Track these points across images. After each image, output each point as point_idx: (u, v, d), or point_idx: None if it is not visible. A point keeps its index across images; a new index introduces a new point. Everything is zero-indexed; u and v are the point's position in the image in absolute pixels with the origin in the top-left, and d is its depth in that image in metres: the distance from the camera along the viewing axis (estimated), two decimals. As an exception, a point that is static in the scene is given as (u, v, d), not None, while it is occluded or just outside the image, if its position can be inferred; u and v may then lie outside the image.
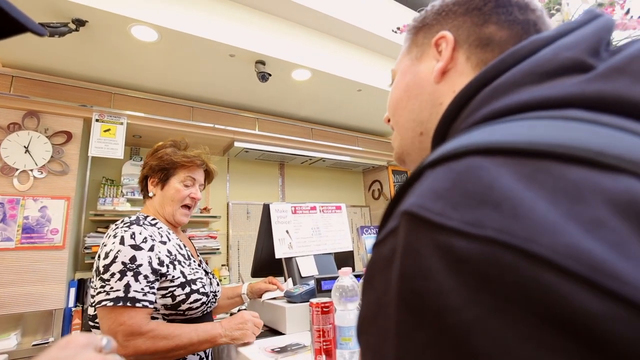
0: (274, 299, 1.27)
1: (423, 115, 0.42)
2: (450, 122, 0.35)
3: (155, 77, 2.42)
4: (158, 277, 0.98)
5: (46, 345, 1.92)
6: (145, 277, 0.95)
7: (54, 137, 2.24)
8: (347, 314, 0.84)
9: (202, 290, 1.07)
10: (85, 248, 2.35)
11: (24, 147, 2.15)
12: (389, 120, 0.50)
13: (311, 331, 0.82)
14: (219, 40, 2.05)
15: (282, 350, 0.96)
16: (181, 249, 1.12)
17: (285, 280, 1.33)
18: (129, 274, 0.93)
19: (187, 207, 1.19)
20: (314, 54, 2.41)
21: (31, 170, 2.14)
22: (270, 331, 1.20)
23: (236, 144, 2.88)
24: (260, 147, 2.98)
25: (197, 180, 1.21)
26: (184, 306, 1.02)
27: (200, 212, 2.86)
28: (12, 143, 2.12)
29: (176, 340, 0.92)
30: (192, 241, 2.65)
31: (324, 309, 0.81)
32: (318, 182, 3.79)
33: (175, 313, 1.02)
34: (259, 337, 1.13)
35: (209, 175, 1.28)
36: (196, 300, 1.04)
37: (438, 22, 0.43)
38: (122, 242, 0.97)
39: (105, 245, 0.99)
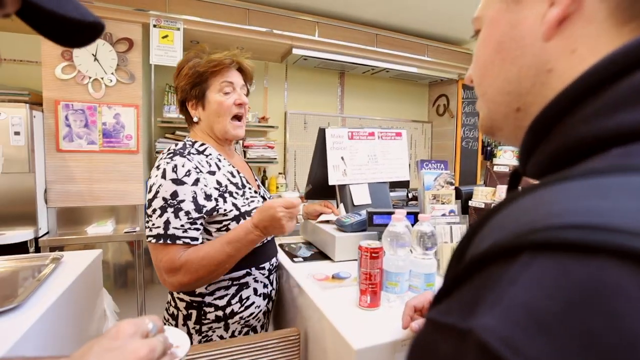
0: (328, 222, 1.30)
1: (523, 85, 0.30)
2: (565, 113, 0.24)
3: (208, -26, 2.22)
4: (203, 214, 0.92)
5: (134, 233, 2.25)
6: (187, 213, 0.89)
7: (117, 44, 2.27)
8: (396, 260, 0.83)
9: None
10: (157, 152, 2.56)
11: (92, 54, 2.22)
12: (471, 82, 0.37)
13: (358, 272, 0.83)
14: None
15: (329, 278, 1.01)
16: (234, 176, 1.03)
17: (338, 207, 1.33)
18: (169, 210, 0.88)
19: (238, 117, 1.05)
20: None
21: (102, 78, 2.24)
22: (320, 254, 1.25)
23: (294, 50, 2.70)
24: (320, 55, 2.78)
25: (235, 83, 1.03)
26: None
27: (258, 122, 2.89)
28: (82, 51, 2.19)
29: (213, 261, 0.88)
30: (250, 150, 2.76)
31: (373, 254, 0.80)
32: (379, 94, 3.55)
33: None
34: (307, 260, 1.19)
35: (246, 75, 1.08)
36: None
37: None
38: (163, 175, 0.89)
39: (150, 178, 0.94)
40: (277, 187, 2.99)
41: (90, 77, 2.22)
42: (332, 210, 1.30)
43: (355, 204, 1.30)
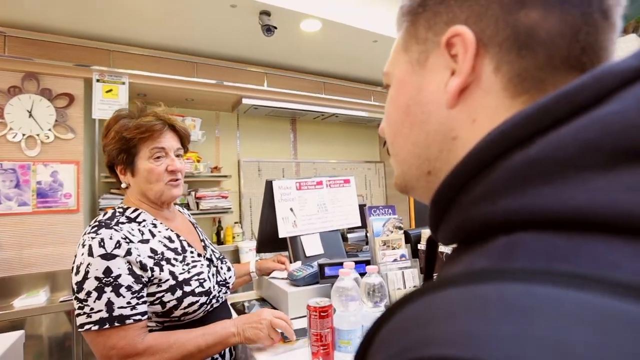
0: (283, 278, 1.26)
1: (431, 150, 0.30)
2: (459, 190, 0.25)
3: (154, 30, 2.25)
4: (144, 284, 0.84)
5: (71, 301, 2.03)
6: (129, 287, 0.81)
7: (56, 99, 2.18)
8: (347, 316, 0.81)
9: (198, 290, 0.91)
10: (101, 209, 2.39)
11: (28, 111, 2.10)
12: (383, 133, 0.38)
13: (308, 333, 0.79)
14: (216, -11, 1.84)
15: (282, 339, 0.95)
16: (172, 241, 0.95)
17: (291, 260, 1.30)
18: (107, 289, 0.79)
19: (173, 180, 0.98)
20: (324, 2, 2.16)
21: (37, 134, 2.11)
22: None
23: (244, 100, 2.75)
24: (270, 104, 2.84)
25: (167, 147, 0.96)
26: (178, 312, 0.88)
27: (211, 172, 2.83)
28: (14, 107, 2.07)
29: (181, 350, 0.81)
30: (203, 201, 2.68)
31: (322, 314, 0.77)
32: (331, 138, 3.67)
33: (169, 320, 0.89)
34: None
35: (181, 136, 1.03)
36: (192, 304, 0.89)
37: (447, 1, 0.28)
38: (90, 253, 0.80)
39: (75, 257, 0.83)
40: (234, 237, 2.89)
41: (24, 134, 2.08)
42: (285, 267, 1.25)
43: (307, 254, 1.28)
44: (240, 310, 1.23)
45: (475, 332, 0.14)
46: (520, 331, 0.13)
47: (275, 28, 2.08)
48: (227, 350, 0.99)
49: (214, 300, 0.96)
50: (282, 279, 1.23)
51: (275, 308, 1.21)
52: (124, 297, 0.80)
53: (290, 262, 1.28)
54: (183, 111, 2.89)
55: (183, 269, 0.92)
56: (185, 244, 0.98)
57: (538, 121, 0.20)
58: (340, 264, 1.07)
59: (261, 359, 0.87)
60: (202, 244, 1.07)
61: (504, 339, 0.13)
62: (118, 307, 0.79)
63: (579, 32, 0.25)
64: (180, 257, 0.94)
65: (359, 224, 1.44)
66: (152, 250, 0.89)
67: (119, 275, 0.80)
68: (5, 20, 2.04)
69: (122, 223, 0.89)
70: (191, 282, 0.90)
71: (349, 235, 2.53)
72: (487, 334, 0.14)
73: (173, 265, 0.91)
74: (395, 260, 1.13)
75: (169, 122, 0.99)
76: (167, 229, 0.97)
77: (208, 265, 1.00)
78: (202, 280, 0.93)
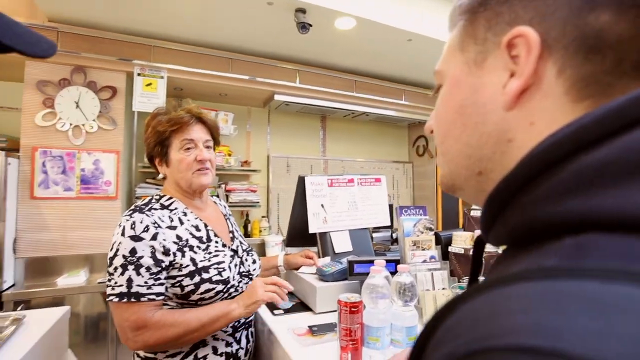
0: (311, 273, 1.28)
1: (483, 152, 0.30)
2: (518, 190, 0.25)
3: (191, 27, 2.32)
4: (163, 268, 0.91)
5: (109, 284, 2.14)
6: (148, 269, 0.89)
7: (100, 92, 2.29)
8: (377, 313, 0.81)
9: (216, 278, 0.96)
10: (137, 198, 2.51)
11: (75, 102, 2.23)
12: (431, 132, 0.38)
13: (338, 327, 0.80)
14: (255, -14, 1.88)
15: (310, 332, 0.97)
16: (198, 230, 1.01)
17: (320, 255, 1.32)
18: (130, 267, 0.88)
19: (203, 169, 1.05)
20: (360, 0, 2.16)
21: (83, 124, 2.24)
22: (302, 304, 1.22)
23: (276, 97, 2.79)
24: (301, 101, 2.87)
25: (197, 139, 1.03)
26: (194, 296, 0.93)
27: (241, 166, 2.90)
28: (64, 98, 2.20)
29: (184, 326, 0.88)
30: (233, 194, 2.74)
31: (353, 309, 0.78)
32: (360, 136, 3.65)
33: (187, 303, 0.95)
34: (289, 311, 1.15)
35: (209, 127, 1.09)
36: (208, 290, 0.94)
37: (510, 1, 0.28)
38: (122, 233, 0.90)
39: (113, 235, 0.93)
40: (260, 231, 2.95)
41: (71, 124, 2.21)
42: (314, 262, 1.27)
43: (336, 251, 1.29)
44: (269, 304, 1.25)
45: (553, 324, 0.14)
46: (603, 327, 0.14)
47: (311, 25, 2.09)
48: (243, 336, 1.05)
49: (232, 289, 1.00)
50: (311, 274, 1.25)
51: (303, 302, 1.23)
52: (142, 276, 0.88)
53: (319, 258, 1.30)
54: (216, 106, 2.97)
55: (204, 257, 0.98)
56: (212, 233, 1.04)
57: (608, 124, 0.20)
58: (370, 262, 1.08)
59: (289, 350, 0.89)
60: (231, 235, 1.12)
61: (586, 333, 0.14)
62: (136, 285, 0.87)
63: None
64: (203, 246, 1.00)
65: (388, 223, 1.43)
66: (178, 237, 0.96)
67: (141, 257, 0.89)
68: (58, 17, 2.17)
69: (155, 209, 0.98)
70: (210, 270, 0.96)
71: (374, 235, 2.52)
72: (567, 327, 0.14)
73: (195, 253, 0.97)
74: (424, 261, 1.13)
75: (197, 115, 1.06)
76: (196, 218, 1.04)
77: (232, 256, 1.05)
78: (221, 270, 0.98)
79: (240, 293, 1.02)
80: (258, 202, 2.82)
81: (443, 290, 1.06)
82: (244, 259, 1.10)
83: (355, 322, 0.79)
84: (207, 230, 1.04)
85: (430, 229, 1.18)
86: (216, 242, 1.04)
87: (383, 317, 0.81)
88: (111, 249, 0.91)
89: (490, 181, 0.31)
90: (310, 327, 1.00)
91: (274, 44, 2.57)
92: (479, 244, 0.37)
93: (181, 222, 1.00)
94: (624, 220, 0.18)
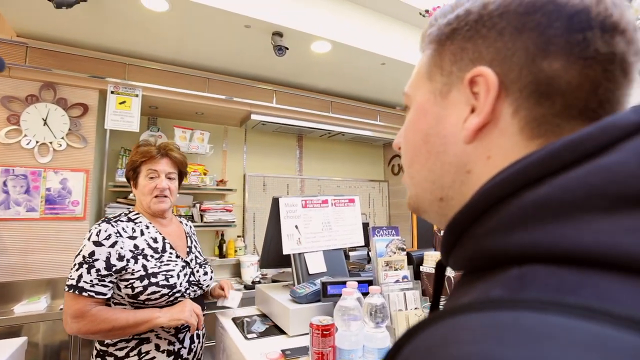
0: (285, 287, 1.27)
1: (444, 180, 0.32)
2: (474, 221, 0.26)
3: (169, 47, 2.32)
4: (112, 272, 1.09)
5: (72, 309, 2.03)
6: (97, 270, 1.07)
7: (70, 109, 2.24)
8: (349, 336, 0.81)
9: (162, 282, 1.13)
10: (106, 218, 2.42)
11: (43, 119, 2.16)
12: (399, 149, 0.39)
13: (310, 352, 0.80)
14: (233, 10, 1.91)
15: (283, 356, 0.96)
16: (156, 242, 1.20)
17: (294, 277, 1.31)
18: (84, 266, 1.06)
19: (160, 196, 1.23)
20: (335, 24, 2.23)
21: (50, 142, 2.16)
22: (276, 327, 1.20)
23: (253, 116, 2.80)
24: (278, 120, 2.89)
25: (160, 170, 1.24)
26: (142, 297, 1.11)
27: (217, 185, 2.86)
28: (31, 115, 2.13)
29: (113, 323, 1.05)
30: (207, 214, 2.70)
31: (324, 332, 0.78)
32: (337, 156, 3.70)
33: (136, 302, 1.12)
34: (262, 335, 1.14)
35: (175, 162, 1.28)
36: (154, 292, 1.11)
37: (475, 39, 0.30)
38: (89, 238, 1.09)
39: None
40: (236, 251, 2.90)
41: (37, 142, 2.13)
42: (224, 293, 1.35)
43: (310, 272, 1.29)
44: (240, 326, 1.23)
45: (493, 354, 0.16)
46: (535, 356, 0.15)
47: (287, 49, 2.14)
48: (187, 337, 1.19)
49: (177, 294, 1.16)
50: (282, 296, 1.24)
51: (275, 325, 1.21)
52: (90, 275, 1.06)
53: (295, 279, 1.29)
54: (193, 124, 2.95)
55: (155, 264, 1.15)
56: (168, 246, 1.23)
57: (548, 164, 0.22)
58: (343, 283, 1.08)
59: (261, 375, 0.87)
60: (188, 249, 1.30)
61: None
62: (83, 281, 1.06)
63: (599, 87, 0.26)
64: (157, 255, 1.18)
65: (362, 243, 1.45)
66: (135, 246, 1.15)
67: (97, 260, 1.07)
68: (27, 32, 2.12)
69: (122, 221, 1.18)
70: (158, 276, 1.13)
71: (350, 254, 2.53)
72: (504, 356, 0.15)
73: (147, 260, 1.15)
74: (397, 281, 1.14)
75: (165, 151, 1.26)
76: (156, 232, 1.23)
77: (183, 267, 1.22)
78: (169, 276, 1.15)
79: (186, 298, 1.18)
80: (234, 222, 2.78)
81: (415, 310, 1.07)
82: (195, 270, 1.26)
83: (327, 345, 0.79)
84: (164, 243, 1.22)
85: (403, 249, 1.21)
86: (170, 253, 1.22)
87: (355, 340, 0.81)
88: (78, 249, 1.10)
89: (450, 207, 0.32)
90: (283, 350, 0.98)
91: (251, 65, 2.60)
92: (439, 268, 0.38)
93: (142, 234, 1.19)
94: (558, 254, 0.20)
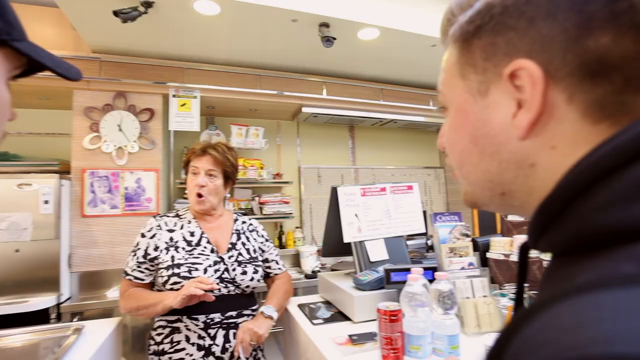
0: (348, 275, 1.29)
1: (504, 177, 0.31)
2: (577, 197, 0.25)
3: (221, 48, 2.43)
4: (146, 260, 1.22)
5: (153, 296, 2.25)
6: (137, 258, 1.22)
7: (140, 114, 2.44)
8: (416, 322, 0.81)
9: (184, 274, 1.17)
10: (176, 213, 2.62)
11: (118, 125, 2.38)
12: (444, 149, 0.38)
13: (379, 336, 0.81)
14: (279, 5, 1.95)
15: (350, 341, 0.98)
16: (192, 235, 1.26)
17: (356, 264, 1.32)
18: (131, 254, 1.25)
19: (199, 195, 1.27)
20: (381, 10, 2.18)
21: (125, 146, 2.39)
22: (340, 314, 1.23)
23: (304, 109, 2.85)
24: (329, 111, 2.91)
25: (200, 168, 1.28)
26: (168, 286, 1.18)
27: (273, 178, 2.96)
28: (108, 122, 2.36)
29: (138, 302, 1.17)
30: (266, 206, 2.80)
31: (392, 317, 0.79)
32: (390, 144, 3.64)
33: (164, 290, 1.20)
34: (327, 321, 1.17)
35: (216, 160, 1.28)
36: (176, 283, 1.16)
37: (504, 32, 0.27)
38: (141, 231, 1.27)
39: None
40: (295, 241, 2.99)
41: (115, 146, 2.36)
42: (237, 348, 1.15)
43: (371, 260, 1.30)
44: (306, 312, 1.28)
45: None
46: None
47: (335, 39, 2.14)
48: (220, 335, 1.17)
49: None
50: (347, 277, 1.26)
51: (339, 311, 1.24)
52: (132, 261, 1.24)
53: (357, 267, 1.31)
54: (247, 121, 3.07)
55: (183, 256, 1.21)
56: (204, 240, 1.27)
57: None
58: (407, 270, 1.08)
59: (332, 358, 0.90)
60: (230, 246, 1.30)
61: None
62: (127, 267, 1.25)
63: None
64: (189, 248, 1.24)
65: (423, 230, 1.42)
66: (171, 238, 1.24)
67: (138, 249, 1.23)
68: (100, 48, 2.34)
69: (168, 216, 1.31)
70: (182, 267, 1.18)
71: (408, 243, 2.49)
72: None
73: (177, 252, 1.22)
74: (463, 268, 1.11)
75: (206, 148, 1.30)
76: (196, 226, 1.29)
77: (215, 262, 1.23)
78: (193, 269, 1.19)
79: (215, 294, 1.16)
80: (291, 213, 2.87)
81: (484, 297, 1.04)
82: (231, 268, 1.25)
83: (396, 330, 0.80)
84: (201, 237, 1.27)
85: (467, 235, 1.17)
86: (205, 247, 1.26)
87: (423, 326, 0.81)
88: None
89: (516, 199, 0.31)
90: (350, 336, 1.01)
91: (300, 59, 2.64)
92: (523, 250, 0.37)
93: (181, 227, 1.27)
94: None
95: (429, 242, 2.87)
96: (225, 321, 1.20)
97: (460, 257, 1.13)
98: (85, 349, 1.05)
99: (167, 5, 1.88)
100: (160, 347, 1.18)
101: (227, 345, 1.18)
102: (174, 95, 2.51)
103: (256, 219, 2.17)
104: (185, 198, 2.69)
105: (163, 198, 2.51)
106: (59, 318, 2.07)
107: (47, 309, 2.04)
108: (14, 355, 1.05)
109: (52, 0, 1.82)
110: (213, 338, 1.17)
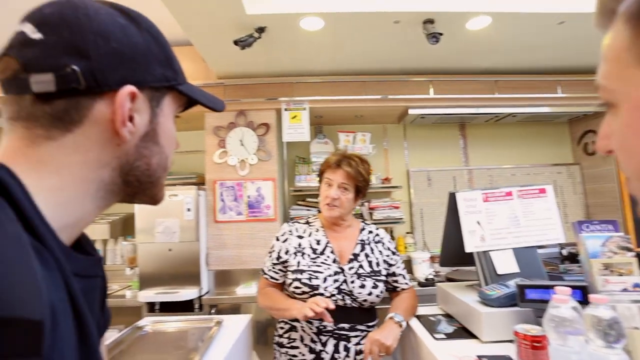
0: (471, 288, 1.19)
1: None
2: None
3: (326, 60, 2.53)
4: (279, 262, 1.32)
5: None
6: (272, 258, 1.34)
7: (257, 129, 2.70)
8: (567, 352, 0.70)
9: (305, 281, 1.23)
10: (290, 218, 2.81)
11: (240, 140, 2.68)
12: (608, 152, 0.33)
13: (519, 363, 0.72)
14: (380, 10, 1.93)
15: (482, 363, 0.90)
16: (318, 243, 1.32)
17: (481, 277, 1.22)
18: (268, 255, 1.37)
19: (331, 205, 1.31)
20: (495, -7, 1.98)
21: (246, 158, 2.67)
22: (464, 330, 1.14)
23: (410, 111, 2.76)
24: (437, 111, 2.76)
25: (334, 180, 1.32)
26: (290, 289, 1.27)
27: (382, 183, 2.94)
28: (232, 139, 2.68)
29: (271, 303, 1.27)
30: (376, 212, 2.79)
31: (535, 344, 0.70)
32: (507, 140, 3.26)
33: (289, 293, 1.29)
34: (450, 337, 1.10)
35: (348, 174, 1.30)
36: (297, 287, 1.24)
37: None
38: (276, 234, 1.39)
39: None
40: (406, 247, 2.91)
41: (238, 159, 2.66)
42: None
43: (498, 272, 1.18)
44: (426, 324, 1.22)
45: None
46: None
47: (441, 34, 2.02)
48: (330, 343, 1.21)
49: (320, 296, 1.20)
50: (470, 290, 1.17)
51: (463, 327, 1.15)
52: (268, 262, 1.36)
53: (482, 279, 1.20)
54: (354, 127, 3.12)
55: (306, 263, 1.27)
56: (329, 250, 1.31)
57: None
58: (547, 287, 0.94)
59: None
60: (352, 257, 1.31)
61: None
62: (265, 266, 1.36)
63: None
64: (314, 256, 1.29)
65: (562, 240, 1.23)
66: (299, 244, 1.32)
67: (273, 251, 1.35)
68: (224, 74, 2.68)
69: (299, 223, 1.40)
70: (304, 273, 1.24)
71: (539, 251, 2.18)
72: None
73: (303, 258, 1.28)
74: (625, 290, 0.92)
75: (341, 162, 1.32)
76: (323, 235, 1.35)
77: (336, 272, 1.26)
78: (313, 277, 1.23)
79: (340, 306, 1.22)
80: (402, 219, 2.81)
81: (658, 327, 0.83)
82: (349, 280, 1.25)
83: (539, 359, 0.70)
84: (326, 246, 1.32)
85: (628, 249, 0.96)
86: (327, 257, 1.29)
87: (577, 358, 0.69)
88: None
89: None
90: (479, 357, 0.93)
91: (404, 59, 2.57)
92: None
93: (309, 234, 1.35)
94: None
95: (564, 252, 2.47)
96: (337, 332, 1.22)
97: (620, 275, 0.93)
98: (225, 340, 1.20)
99: (277, 27, 2.04)
100: (281, 340, 1.31)
101: (335, 356, 1.21)
102: (285, 109, 2.71)
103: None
104: (299, 204, 2.86)
105: (279, 205, 2.72)
106: (200, 308, 2.41)
107: (191, 300, 2.40)
108: (169, 339, 1.26)
109: (187, 40, 2.15)
110: (324, 345, 1.22)
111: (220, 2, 1.78)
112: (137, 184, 0.45)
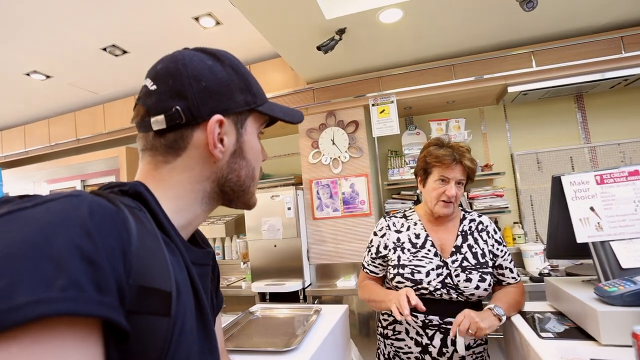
0: (588, 282, 1.05)
1: None
2: None
3: (409, 49, 2.46)
4: (378, 257, 1.34)
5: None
6: (371, 253, 1.36)
7: (347, 127, 2.78)
8: None
9: (407, 275, 1.21)
10: (386, 212, 2.82)
11: (331, 140, 2.80)
12: None
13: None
14: (466, -15, 1.80)
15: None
16: (417, 237, 1.29)
17: (598, 271, 1.06)
18: (367, 250, 1.39)
19: (446, 202, 1.25)
20: None
21: (338, 157, 2.77)
22: (578, 330, 1.01)
23: (510, 89, 2.49)
24: (542, 85, 2.43)
25: (451, 178, 1.24)
26: (393, 283, 1.26)
27: (481, 170, 2.73)
28: (324, 139, 2.81)
29: (369, 295, 1.29)
30: (476, 201, 2.61)
31: (657, 346, 0.60)
32: (643, 108, 2.69)
33: (390, 287, 1.30)
34: (560, 336, 0.99)
35: (466, 170, 1.25)
36: (400, 282, 1.23)
37: None
38: (374, 229, 1.39)
39: None
40: (514, 239, 2.65)
41: (331, 158, 2.78)
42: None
43: (623, 267, 1.01)
44: (531, 322, 1.12)
45: None
46: None
47: (541, -3, 1.78)
48: (437, 337, 1.18)
49: (424, 291, 1.19)
50: (586, 284, 1.03)
51: (577, 327, 1.02)
52: (367, 256, 1.38)
53: (601, 274, 1.05)
54: (446, 114, 2.97)
55: (408, 257, 1.26)
56: (429, 243, 1.28)
57: None
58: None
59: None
60: (454, 249, 1.26)
61: None
62: (364, 260, 1.40)
63: None
64: (414, 250, 1.27)
65: None
66: (397, 239, 1.32)
67: (372, 246, 1.37)
68: (312, 79, 2.82)
69: (396, 217, 1.39)
70: (405, 268, 1.23)
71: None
72: None
73: (403, 253, 1.27)
74: None
75: (460, 158, 1.23)
76: (422, 228, 1.32)
77: (438, 266, 1.22)
78: (415, 271, 1.22)
79: (437, 298, 1.20)
80: (507, 207, 2.56)
81: None
82: (454, 273, 1.21)
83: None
84: (426, 240, 1.29)
85: None
86: (428, 250, 1.26)
87: None
88: None
89: None
90: None
91: (496, 35, 2.34)
92: None
93: (408, 229, 1.33)
94: None
95: None
96: (444, 326, 1.18)
97: None
98: (323, 327, 1.29)
99: (356, 26, 2.07)
100: (385, 331, 1.32)
101: (444, 350, 1.17)
102: (373, 104, 2.73)
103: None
104: (394, 198, 2.85)
105: (374, 199, 2.75)
106: (305, 299, 2.61)
107: (297, 291, 2.61)
108: (279, 323, 1.41)
109: (276, 53, 2.34)
110: (430, 339, 1.19)
111: (300, 14, 1.90)
112: (231, 192, 0.55)
